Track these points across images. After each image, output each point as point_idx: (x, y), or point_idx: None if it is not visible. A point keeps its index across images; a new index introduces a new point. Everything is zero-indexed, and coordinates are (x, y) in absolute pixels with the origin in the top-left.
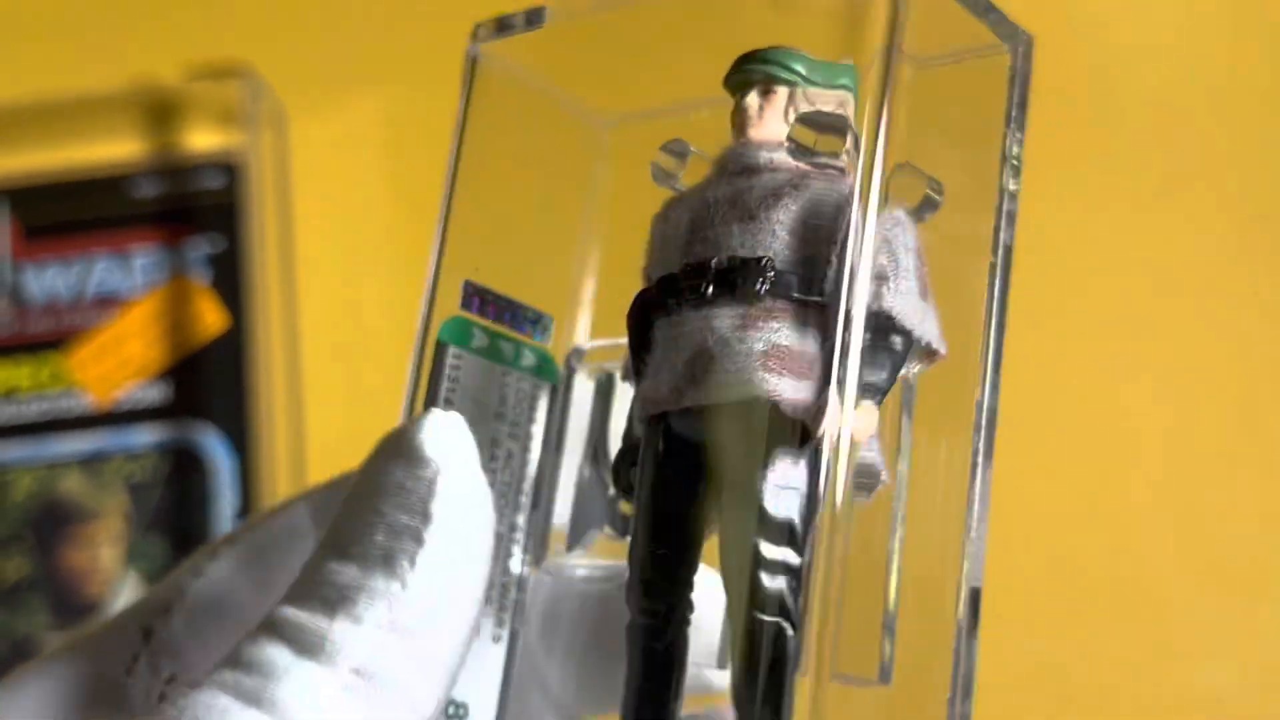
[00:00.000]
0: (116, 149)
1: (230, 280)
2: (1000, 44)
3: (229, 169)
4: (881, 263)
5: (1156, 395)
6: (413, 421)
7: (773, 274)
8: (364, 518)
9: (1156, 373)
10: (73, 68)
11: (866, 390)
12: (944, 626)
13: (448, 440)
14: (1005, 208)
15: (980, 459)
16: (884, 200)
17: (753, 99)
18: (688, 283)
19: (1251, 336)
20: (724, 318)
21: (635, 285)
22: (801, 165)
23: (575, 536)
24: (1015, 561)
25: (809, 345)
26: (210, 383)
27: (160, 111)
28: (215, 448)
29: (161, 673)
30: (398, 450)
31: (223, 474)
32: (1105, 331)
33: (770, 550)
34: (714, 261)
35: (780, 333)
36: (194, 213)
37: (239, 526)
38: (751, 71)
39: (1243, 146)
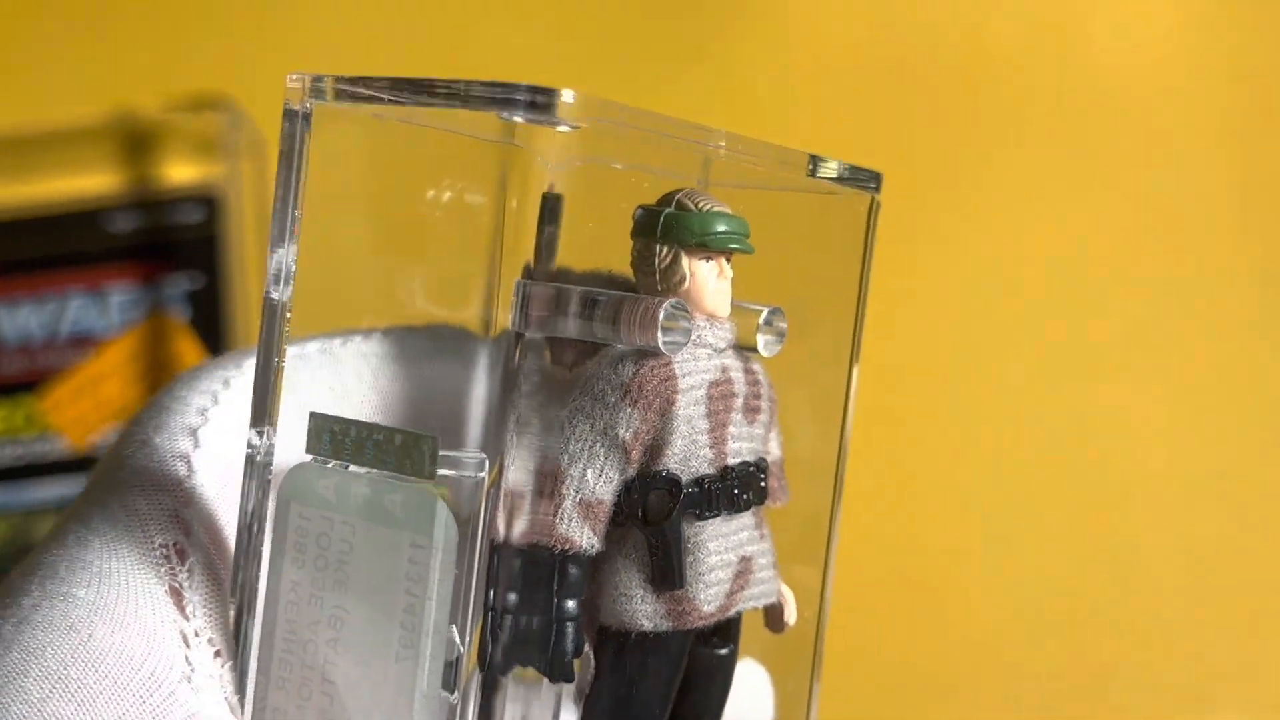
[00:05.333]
0: (92, 182)
1: (210, 317)
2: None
3: (208, 202)
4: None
5: (1162, 434)
6: None
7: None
8: None
9: (1165, 405)
10: (47, 99)
11: None
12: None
13: None
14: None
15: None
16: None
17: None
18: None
19: (1256, 360)
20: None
21: None
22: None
23: None
24: (1021, 603)
25: None
26: None
27: (137, 144)
28: None
29: (215, 655)
30: None
31: None
32: (1105, 354)
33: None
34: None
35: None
36: (172, 248)
37: (183, 422)
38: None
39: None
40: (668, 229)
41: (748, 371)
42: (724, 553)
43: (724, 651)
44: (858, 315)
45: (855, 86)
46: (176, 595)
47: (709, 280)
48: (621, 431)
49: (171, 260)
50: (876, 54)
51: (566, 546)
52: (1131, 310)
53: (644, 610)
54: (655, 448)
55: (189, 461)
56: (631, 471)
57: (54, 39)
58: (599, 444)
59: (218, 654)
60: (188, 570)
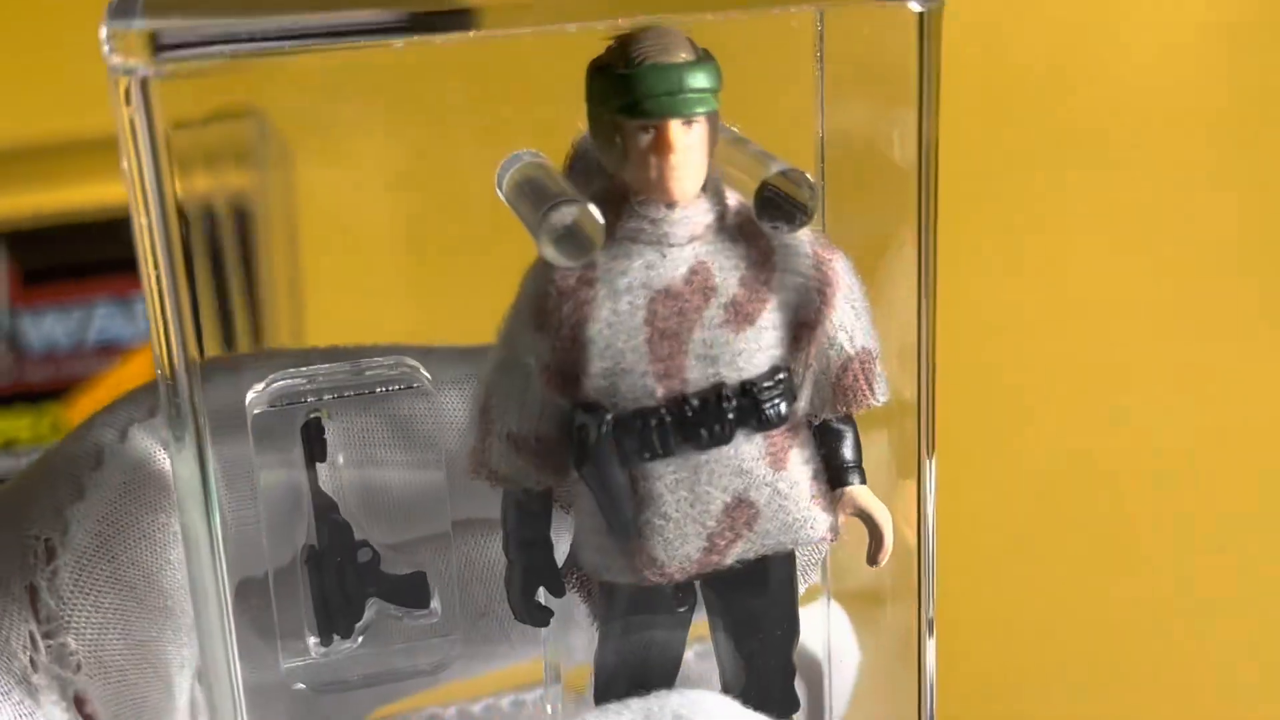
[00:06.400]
0: (117, 190)
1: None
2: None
3: (235, 213)
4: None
5: (1187, 439)
6: None
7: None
8: None
9: (1192, 411)
10: (73, 107)
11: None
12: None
13: None
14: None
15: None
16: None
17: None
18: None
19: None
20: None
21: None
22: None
23: (331, 622)
24: (1038, 606)
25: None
26: None
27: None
28: None
29: (67, 657)
30: None
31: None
32: (1135, 364)
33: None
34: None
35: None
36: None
37: (82, 454)
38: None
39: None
40: (592, 93)
41: (753, 264)
42: (692, 498)
43: (757, 601)
44: (922, 174)
45: None
46: (33, 594)
47: (647, 156)
48: (532, 360)
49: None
50: None
51: (505, 484)
52: (1169, 319)
53: (600, 560)
54: (568, 374)
55: (100, 455)
56: (562, 401)
57: (80, 47)
58: (513, 369)
59: (73, 655)
60: (52, 571)
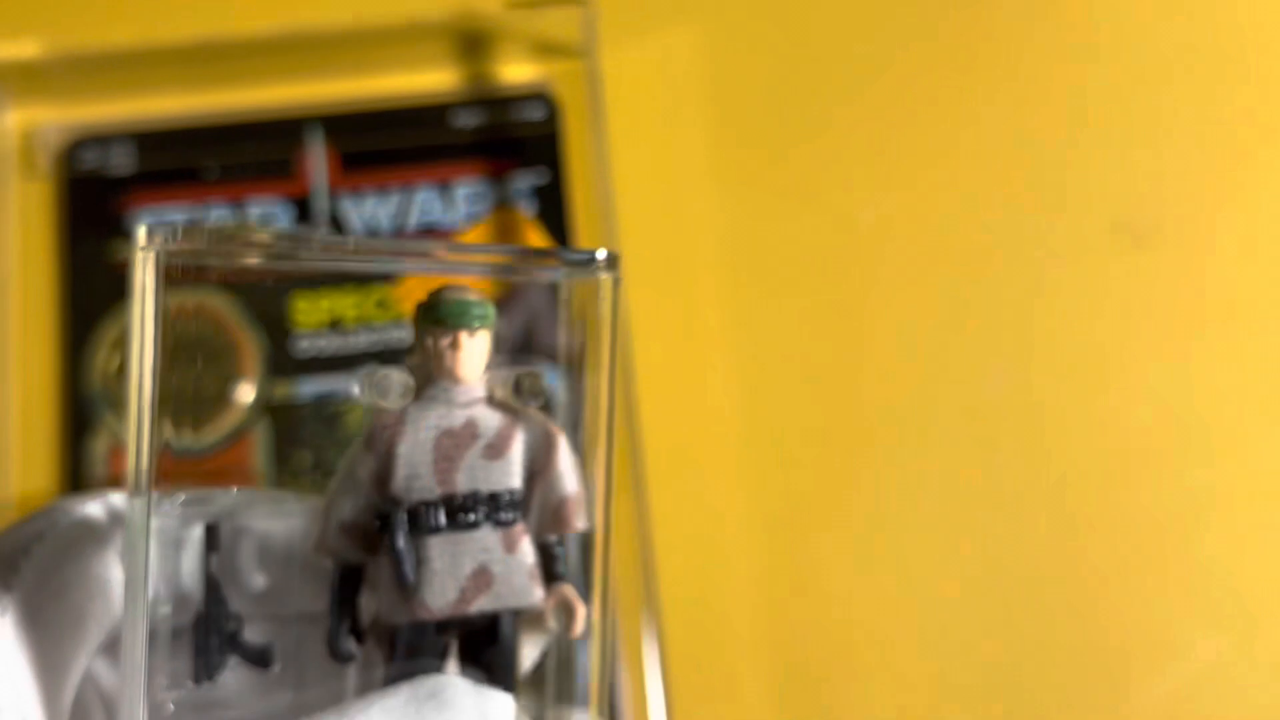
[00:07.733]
0: (433, 78)
1: (555, 213)
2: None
3: (549, 101)
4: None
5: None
6: None
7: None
8: None
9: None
10: None
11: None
12: None
13: None
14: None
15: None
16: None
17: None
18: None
19: None
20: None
21: None
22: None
23: (203, 668)
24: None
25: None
26: (538, 318)
27: (479, 40)
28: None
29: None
30: None
31: (553, 406)
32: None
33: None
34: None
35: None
36: (516, 144)
37: (29, 532)
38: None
39: None
40: (417, 317)
41: (507, 422)
42: (453, 563)
43: (489, 650)
44: (610, 399)
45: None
46: None
47: (444, 352)
48: (360, 470)
49: (515, 156)
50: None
51: (335, 557)
52: None
53: (390, 606)
54: (384, 479)
55: (40, 535)
56: (376, 498)
57: None
58: (350, 479)
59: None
60: None
